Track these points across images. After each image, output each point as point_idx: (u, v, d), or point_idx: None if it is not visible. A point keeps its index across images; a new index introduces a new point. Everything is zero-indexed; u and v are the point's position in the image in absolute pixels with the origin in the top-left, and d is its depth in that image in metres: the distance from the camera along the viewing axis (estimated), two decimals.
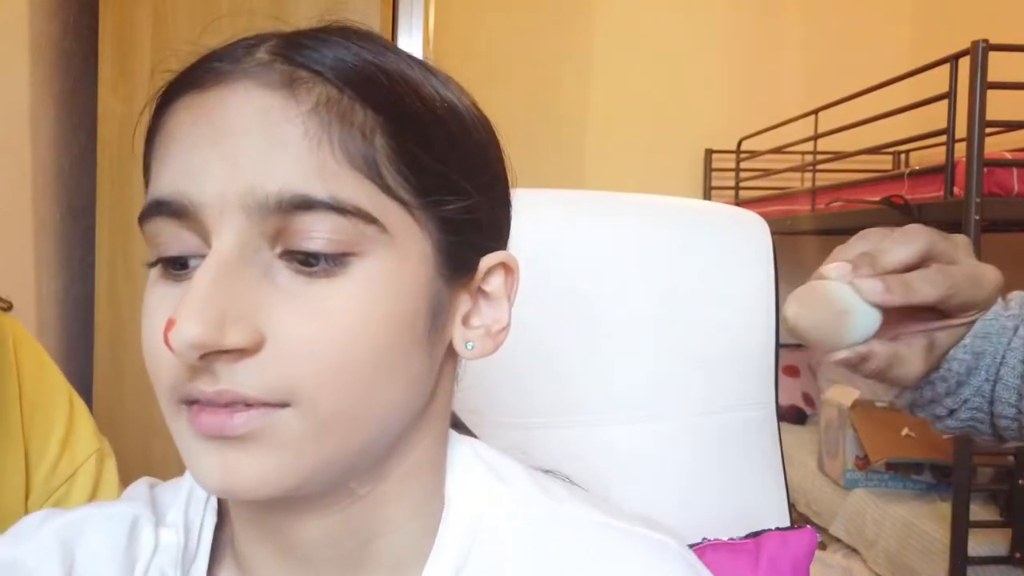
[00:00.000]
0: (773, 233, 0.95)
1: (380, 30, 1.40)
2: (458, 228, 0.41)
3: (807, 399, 3.12)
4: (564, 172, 3.22)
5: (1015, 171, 1.94)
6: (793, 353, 3.08)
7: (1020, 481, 1.94)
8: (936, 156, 2.25)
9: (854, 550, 2.40)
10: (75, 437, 0.72)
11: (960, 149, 1.91)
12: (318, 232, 0.37)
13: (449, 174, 0.41)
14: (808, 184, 2.83)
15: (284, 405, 0.37)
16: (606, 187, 0.86)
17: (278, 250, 0.38)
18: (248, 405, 0.37)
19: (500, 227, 0.45)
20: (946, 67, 1.95)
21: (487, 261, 0.44)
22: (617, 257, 0.92)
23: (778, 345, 0.94)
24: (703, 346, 0.92)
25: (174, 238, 0.38)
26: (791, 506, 0.90)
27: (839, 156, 2.71)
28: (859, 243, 0.54)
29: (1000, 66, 1.82)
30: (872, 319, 0.52)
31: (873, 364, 0.52)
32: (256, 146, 0.37)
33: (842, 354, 0.52)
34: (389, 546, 0.43)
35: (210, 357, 0.36)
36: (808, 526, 0.84)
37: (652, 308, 0.93)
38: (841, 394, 2.49)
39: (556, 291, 0.85)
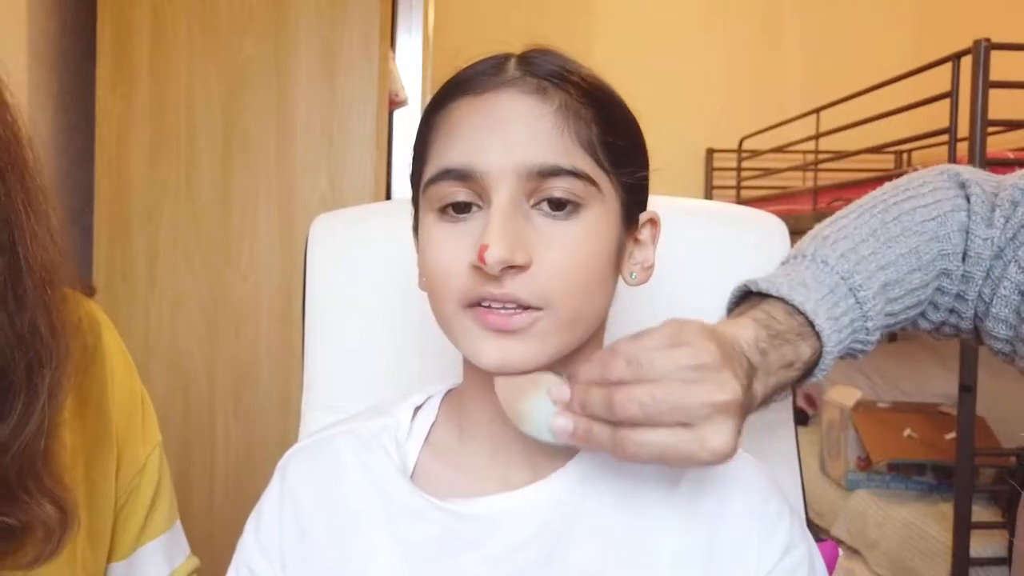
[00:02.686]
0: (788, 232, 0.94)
1: (380, 30, 1.39)
2: (633, 191, 0.61)
3: (809, 399, 3.12)
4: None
5: (1017, 171, 1.93)
6: None
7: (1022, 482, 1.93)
8: (938, 155, 2.24)
9: (856, 551, 2.40)
10: (147, 426, 0.72)
11: (962, 148, 1.90)
12: (562, 188, 0.56)
13: (631, 154, 0.61)
14: (810, 183, 2.82)
15: (540, 308, 0.56)
16: None
17: (531, 202, 0.56)
18: (520, 308, 0.55)
19: (648, 193, 0.64)
20: (948, 66, 1.95)
21: (643, 217, 0.63)
22: None
23: None
24: None
25: (456, 195, 0.57)
26: (806, 509, 0.89)
27: (841, 155, 2.70)
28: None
29: (1002, 65, 1.81)
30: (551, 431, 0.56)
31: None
32: (523, 133, 0.56)
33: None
34: None
35: (503, 271, 0.54)
36: (829, 539, 0.83)
37: (670, 310, 0.92)
38: (843, 395, 2.49)
39: None
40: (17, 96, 0.56)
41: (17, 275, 0.54)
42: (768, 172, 3.12)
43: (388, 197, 1.64)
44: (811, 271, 0.68)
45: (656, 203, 0.98)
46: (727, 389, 0.52)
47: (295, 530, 0.63)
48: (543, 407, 0.56)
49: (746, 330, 0.63)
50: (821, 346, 0.65)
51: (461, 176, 0.56)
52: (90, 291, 0.71)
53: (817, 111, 2.71)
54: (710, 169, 3.37)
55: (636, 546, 0.59)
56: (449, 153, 0.57)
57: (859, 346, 0.69)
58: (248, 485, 1.38)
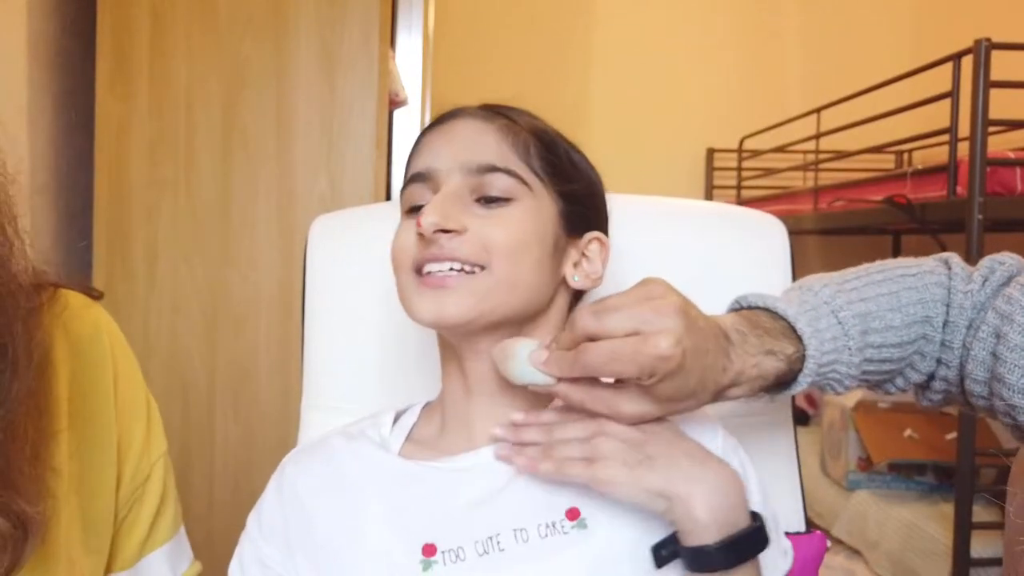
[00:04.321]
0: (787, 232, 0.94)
1: (380, 30, 1.39)
2: (570, 201, 0.73)
3: (809, 400, 3.12)
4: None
5: (1018, 170, 1.93)
6: None
7: None
8: (939, 155, 2.24)
9: (856, 551, 2.39)
10: (153, 435, 0.71)
11: (963, 148, 1.90)
12: (498, 187, 0.69)
13: (567, 171, 0.74)
14: (810, 183, 2.82)
15: (481, 267, 0.67)
16: (607, 186, 0.86)
17: (474, 197, 0.69)
18: (462, 269, 0.66)
19: (599, 217, 0.77)
20: (948, 66, 1.95)
21: (589, 235, 0.74)
22: (634, 261, 0.91)
23: None
24: None
25: (421, 194, 0.71)
26: (806, 509, 0.89)
27: (841, 155, 2.70)
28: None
29: (1002, 65, 1.81)
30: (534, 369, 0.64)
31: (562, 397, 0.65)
32: (468, 141, 0.70)
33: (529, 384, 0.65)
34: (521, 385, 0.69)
35: (438, 234, 0.66)
36: (817, 531, 0.83)
37: None
38: (843, 395, 2.49)
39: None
40: None
41: None
42: (769, 172, 3.12)
43: (388, 197, 1.64)
44: (796, 295, 0.74)
45: (656, 204, 0.99)
46: (669, 299, 0.61)
47: (297, 512, 0.70)
48: (525, 347, 0.65)
49: (727, 317, 0.70)
50: (804, 350, 0.70)
51: (423, 178, 0.71)
52: (97, 295, 0.70)
53: (818, 111, 2.71)
54: (711, 169, 3.37)
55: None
56: (414, 164, 0.73)
57: (843, 368, 0.72)
58: (247, 484, 1.38)
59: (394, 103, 1.65)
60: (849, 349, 0.72)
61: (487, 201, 0.69)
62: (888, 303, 0.74)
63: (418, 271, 0.68)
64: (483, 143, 0.70)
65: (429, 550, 0.64)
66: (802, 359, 0.70)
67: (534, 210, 0.69)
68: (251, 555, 0.70)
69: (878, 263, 0.79)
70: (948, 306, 0.75)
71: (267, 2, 1.38)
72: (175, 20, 1.37)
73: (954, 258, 0.79)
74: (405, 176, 0.74)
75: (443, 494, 0.68)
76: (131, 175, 1.38)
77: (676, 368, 0.59)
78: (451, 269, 0.67)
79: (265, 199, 1.39)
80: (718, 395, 0.66)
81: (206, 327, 1.39)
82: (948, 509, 2.01)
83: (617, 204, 0.91)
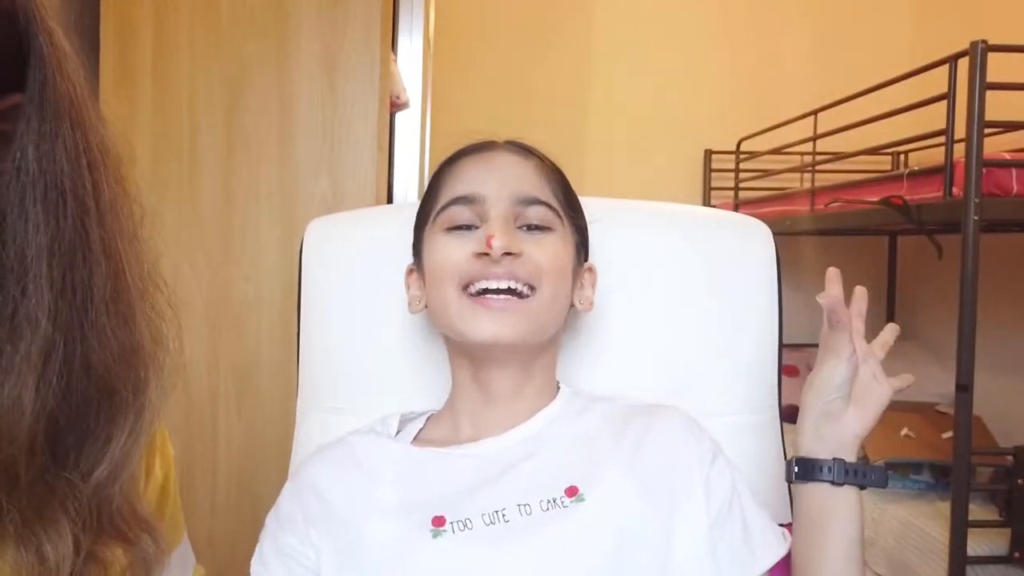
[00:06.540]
0: (772, 234, 0.95)
1: (380, 31, 1.40)
2: (580, 232, 0.84)
3: None
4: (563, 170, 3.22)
5: (1014, 171, 1.94)
6: (792, 353, 3.08)
7: (1019, 481, 1.94)
8: (935, 156, 2.25)
9: None
10: (164, 442, 0.70)
11: (959, 149, 1.91)
12: (538, 217, 0.79)
13: (576, 204, 0.84)
14: (807, 185, 2.83)
15: (533, 289, 0.76)
16: (605, 187, 0.88)
17: (517, 224, 0.78)
18: (514, 292, 0.75)
19: (587, 248, 0.86)
20: (945, 67, 1.95)
21: (586, 264, 0.85)
22: (621, 264, 0.93)
23: (781, 348, 0.94)
24: (708, 351, 0.92)
25: (467, 216, 0.78)
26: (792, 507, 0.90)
27: (838, 157, 2.71)
28: None
29: (999, 66, 1.82)
30: None
31: None
32: (513, 174, 0.80)
33: None
34: (530, 394, 0.81)
35: (502, 256, 0.75)
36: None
37: (656, 314, 0.93)
38: None
39: None
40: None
41: (120, 287, 0.50)
42: (766, 173, 3.12)
43: (390, 199, 1.65)
44: None
45: (636, 207, 1.00)
46: None
47: (313, 497, 0.76)
48: None
49: None
50: None
51: (468, 200, 0.78)
52: None
53: (815, 112, 2.72)
54: (708, 171, 3.38)
55: (584, 466, 0.74)
56: (458, 186, 0.80)
57: None
58: (250, 484, 1.39)
59: (395, 105, 1.66)
60: None
61: (528, 228, 0.78)
62: None
63: (465, 288, 0.76)
64: (526, 177, 0.80)
65: (439, 521, 0.71)
66: None
67: (563, 240, 0.80)
68: (271, 548, 0.75)
69: None
70: None
71: (269, 4, 1.38)
72: (178, 21, 1.38)
73: None
74: (437, 194, 0.81)
75: (451, 476, 0.75)
76: (134, 176, 1.38)
77: None
78: (509, 288, 0.75)
79: (267, 200, 1.40)
80: None
81: (208, 327, 1.39)
82: (944, 508, 2.02)
83: (604, 209, 0.93)
